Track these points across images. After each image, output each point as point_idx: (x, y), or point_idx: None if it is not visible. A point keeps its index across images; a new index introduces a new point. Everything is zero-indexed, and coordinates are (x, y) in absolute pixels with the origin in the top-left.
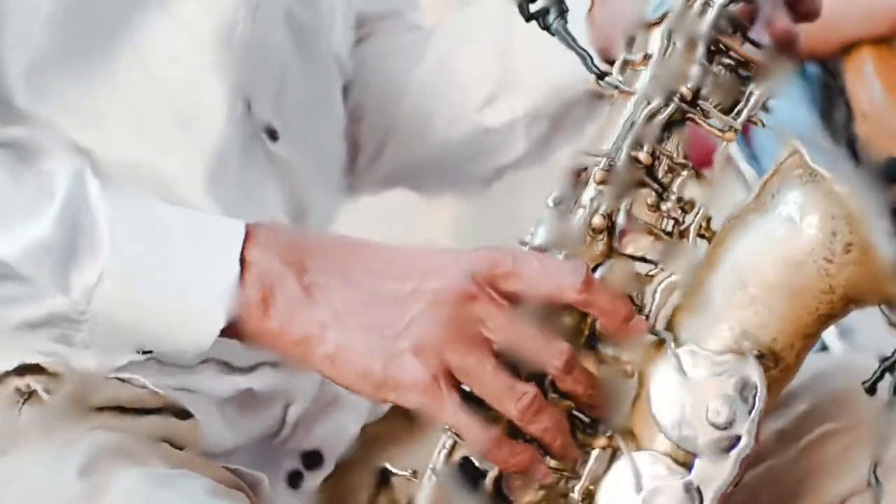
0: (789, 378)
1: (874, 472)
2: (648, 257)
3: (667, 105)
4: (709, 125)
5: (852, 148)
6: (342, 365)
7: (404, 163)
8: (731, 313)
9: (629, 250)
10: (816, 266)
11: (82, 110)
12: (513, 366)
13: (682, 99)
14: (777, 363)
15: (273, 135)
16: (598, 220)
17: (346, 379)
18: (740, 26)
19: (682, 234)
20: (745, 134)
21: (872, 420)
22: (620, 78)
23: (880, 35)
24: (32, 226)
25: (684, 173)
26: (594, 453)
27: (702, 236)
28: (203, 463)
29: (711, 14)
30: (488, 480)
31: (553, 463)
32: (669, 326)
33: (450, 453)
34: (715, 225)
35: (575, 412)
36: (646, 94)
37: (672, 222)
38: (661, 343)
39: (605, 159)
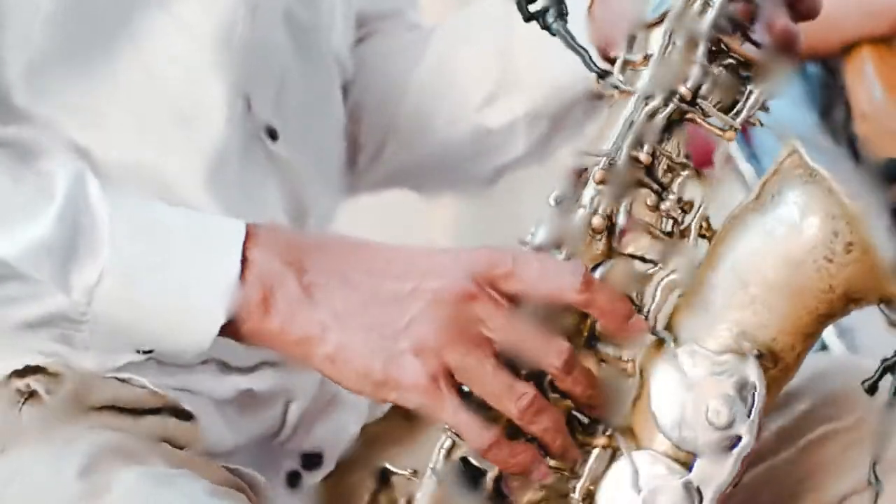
0: (789, 377)
1: (874, 471)
2: (648, 257)
3: (666, 104)
4: (708, 124)
5: (852, 147)
6: (342, 365)
7: (404, 163)
8: (731, 313)
9: (629, 250)
10: (817, 266)
11: (82, 110)
12: (512, 366)
13: (682, 98)
14: (777, 363)
15: (273, 134)
16: (597, 220)
17: (347, 379)
18: (740, 26)
19: (683, 234)
20: (745, 134)
21: (872, 420)
22: (621, 77)
23: (880, 34)
24: (32, 226)
25: (684, 173)
26: (594, 453)
27: (702, 236)
28: (203, 463)
29: (711, 14)
30: (488, 480)
31: (553, 462)
32: (669, 326)
33: (449, 453)
34: (715, 225)
35: (574, 412)
36: (645, 93)
37: (672, 222)
38: (661, 343)
39: (604, 159)
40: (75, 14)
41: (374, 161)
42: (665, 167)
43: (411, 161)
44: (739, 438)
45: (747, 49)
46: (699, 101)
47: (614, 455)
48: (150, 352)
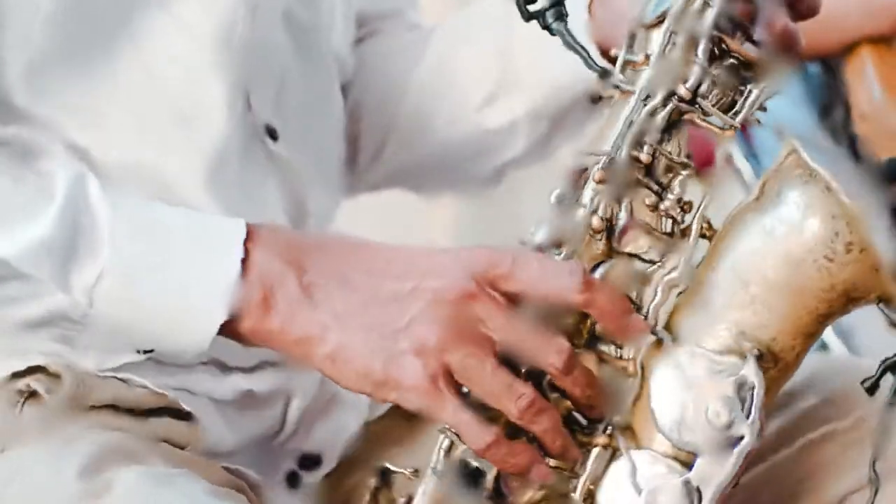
0: (788, 377)
1: (873, 468)
2: (649, 256)
3: (666, 104)
4: (708, 124)
5: (853, 147)
6: (342, 365)
7: (404, 163)
8: (731, 313)
9: (629, 249)
10: (817, 265)
11: (82, 110)
12: (512, 366)
13: (682, 98)
14: (776, 363)
15: (273, 134)
16: (597, 220)
17: (347, 378)
18: (740, 25)
19: (683, 234)
20: (744, 133)
21: (872, 419)
22: (622, 77)
23: (881, 34)
24: (32, 226)
25: (684, 173)
26: (594, 452)
27: (703, 236)
28: (203, 463)
29: (711, 13)
30: (488, 480)
31: (553, 462)
32: (669, 326)
33: (449, 453)
34: (715, 225)
35: (574, 413)
36: (645, 93)
37: (671, 222)
38: (661, 342)
39: (604, 159)
40: (75, 14)
41: (374, 161)
42: (665, 167)
43: (411, 161)
44: (740, 438)
45: (747, 49)
46: (699, 100)
47: (614, 455)
48: (150, 352)
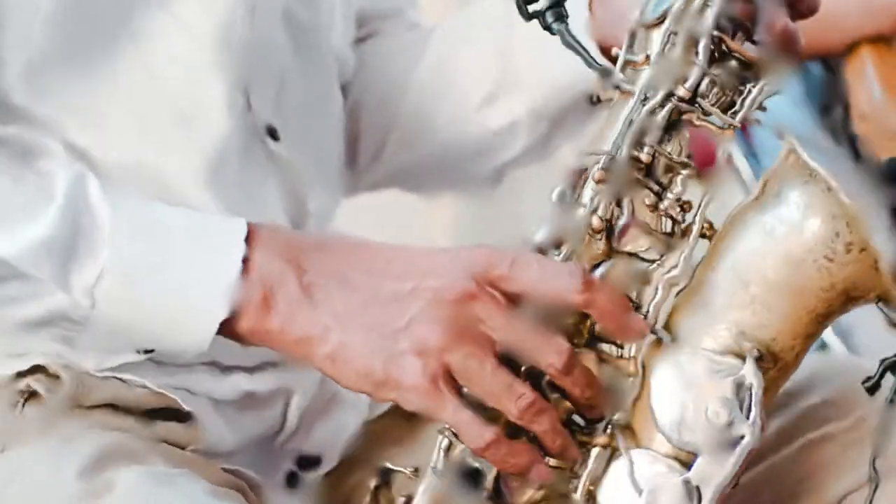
0: (788, 377)
1: (873, 465)
2: (649, 255)
3: (666, 103)
4: (707, 123)
5: (853, 147)
6: (343, 365)
7: (404, 162)
8: (731, 313)
9: (629, 249)
10: (818, 265)
11: (82, 110)
12: (512, 365)
13: (681, 98)
14: (776, 363)
15: (274, 134)
16: (597, 220)
17: (347, 378)
18: (741, 25)
19: (684, 234)
20: (744, 133)
21: (873, 418)
22: (622, 76)
23: (881, 34)
24: (32, 226)
25: (684, 172)
26: (594, 452)
27: (703, 235)
28: (203, 463)
29: (711, 13)
30: (488, 480)
31: (553, 462)
32: (669, 325)
33: (449, 452)
34: (715, 224)
35: (574, 416)
36: (645, 92)
37: (671, 222)
38: (661, 342)
39: (604, 158)
40: (75, 14)
41: (374, 161)
42: (665, 167)
43: (411, 161)
44: (740, 438)
45: (747, 49)
46: (698, 100)
47: (614, 454)
48: (150, 352)
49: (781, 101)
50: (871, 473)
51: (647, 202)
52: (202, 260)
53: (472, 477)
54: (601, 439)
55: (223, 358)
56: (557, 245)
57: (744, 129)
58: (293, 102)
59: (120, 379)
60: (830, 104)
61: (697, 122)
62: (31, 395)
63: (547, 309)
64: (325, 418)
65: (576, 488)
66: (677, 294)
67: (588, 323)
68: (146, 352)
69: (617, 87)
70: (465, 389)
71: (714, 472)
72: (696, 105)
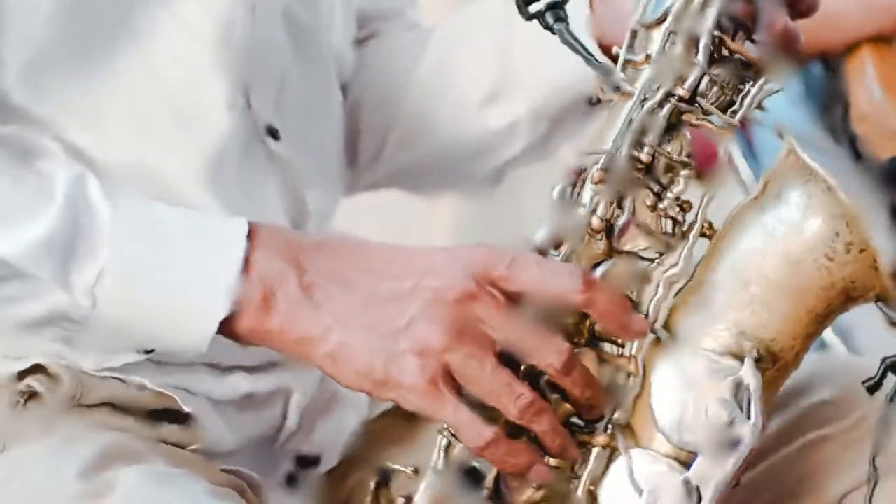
0: (787, 376)
1: (873, 463)
2: (649, 254)
3: (665, 103)
4: (707, 123)
5: (853, 147)
6: (343, 365)
7: (404, 162)
8: (731, 313)
9: (629, 248)
10: (818, 265)
11: (82, 110)
12: (511, 365)
13: (681, 98)
14: (775, 363)
15: (274, 134)
16: (597, 220)
17: (347, 377)
18: (741, 25)
19: (684, 235)
20: (745, 133)
21: (873, 417)
22: (623, 76)
23: (881, 34)
24: (33, 225)
25: (684, 172)
26: (594, 452)
27: (703, 235)
28: (204, 463)
29: (712, 13)
30: (488, 480)
31: (553, 462)
32: (670, 325)
33: (449, 452)
34: (715, 224)
35: (574, 418)
36: (645, 92)
37: (671, 222)
38: (661, 342)
39: (603, 158)
40: (75, 14)
41: (374, 161)
42: (665, 166)
43: (411, 161)
44: (740, 438)
45: (747, 48)
46: (698, 99)
47: (614, 454)
48: (150, 352)
49: (781, 101)
50: (871, 471)
51: (647, 202)
52: (202, 260)
53: (473, 477)
54: (601, 439)
55: (223, 358)
56: (557, 245)
57: (743, 128)
58: (293, 102)
59: (119, 379)
60: (830, 104)
61: (697, 122)
62: (32, 395)
63: (547, 309)
64: (326, 418)
65: (576, 488)
66: (678, 292)
67: (588, 323)
68: (146, 352)
69: (617, 89)
70: (465, 389)
71: (714, 472)
72: (696, 104)
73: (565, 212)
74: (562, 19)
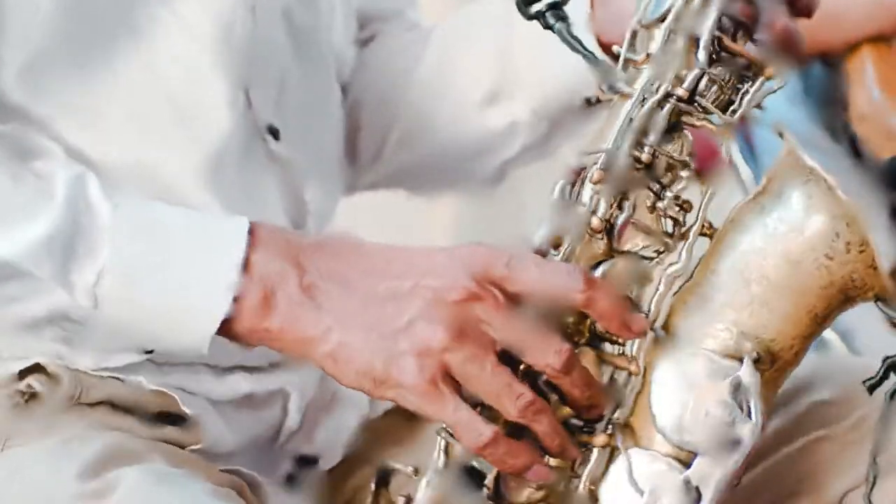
0: (787, 376)
1: (873, 461)
2: (650, 252)
3: (665, 102)
4: (707, 122)
5: (853, 147)
6: (343, 364)
7: (404, 162)
8: (731, 312)
9: (629, 247)
10: (818, 264)
11: (82, 110)
12: (510, 365)
13: (680, 98)
14: (774, 363)
15: (275, 134)
16: (597, 220)
17: (347, 377)
18: (741, 25)
19: (683, 236)
20: (745, 133)
21: (873, 419)
22: (623, 74)
23: (882, 33)
24: (33, 225)
25: (684, 171)
26: (594, 452)
27: (704, 234)
28: (203, 463)
29: (712, 13)
30: (489, 480)
31: (553, 462)
32: (670, 325)
33: (449, 452)
34: (715, 224)
35: (573, 419)
36: (645, 92)
37: (671, 222)
38: (661, 341)
39: (602, 158)
40: (75, 13)
41: (374, 161)
42: (665, 166)
43: (411, 161)
44: (740, 438)
45: (747, 48)
46: (697, 98)
47: (614, 453)
48: (150, 352)
49: (780, 100)
50: (870, 467)
51: (648, 202)
52: (202, 259)
53: (473, 477)
54: (601, 439)
55: (223, 358)
56: (557, 245)
57: (745, 129)
58: (293, 102)
59: (119, 378)
60: (830, 103)
61: (698, 123)
62: (32, 395)
63: (547, 308)
64: (326, 417)
65: (576, 488)
66: (679, 288)
67: (588, 322)
68: (146, 352)
69: (616, 91)
70: (465, 389)
71: (714, 472)
72: (695, 104)
73: (565, 211)
74: (562, 19)
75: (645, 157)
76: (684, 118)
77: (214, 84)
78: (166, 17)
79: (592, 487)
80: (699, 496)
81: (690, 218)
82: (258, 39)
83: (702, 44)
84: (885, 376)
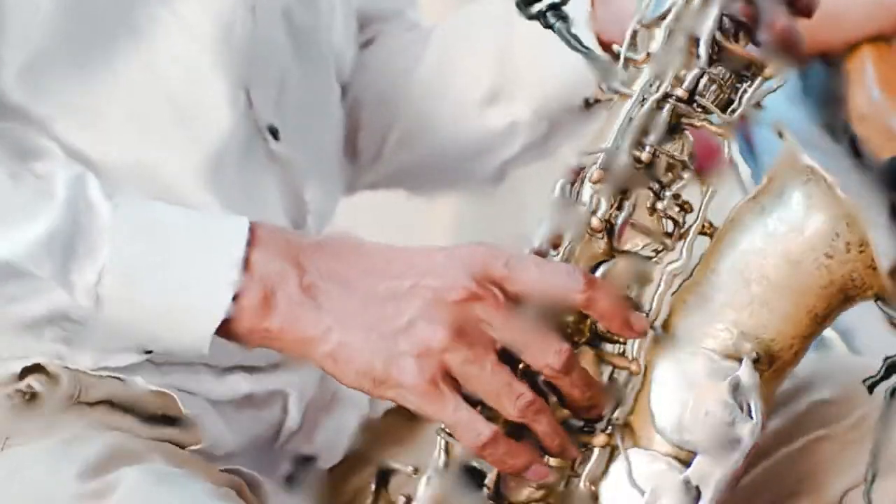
0: (787, 376)
1: (873, 459)
2: (650, 251)
3: (664, 102)
4: (707, 122)
5: (853, 147)
6: (344, 364)
7: (404, 162)
8: (731, 312)
9: (629, 247)
10: (818, 264)
11: (82, 110)
12: (510, 364)
13: (679, 98)
14: (773, 363)
15: (275, 134)
16: (596, 220)
17: (347, 377)
18: (741, 25)
19: (682, 236)
20: (745, 133)
21: (873, 418)
22: (623, 74)
23: (882, 33)
24: (33, 225)
25: (684, 171)
26: (594, 452)
27: (704, 234)
28: (203, 463)
29: (712, 13)
30: (489, 480)
31: (553, 462)
32: (670, 324)
33: (449, 452)
34: (715, 223)
35: (573, 419)
36: (645, 91)
37: (671, 222)
38: (661, 341)
39: (602, 158)
40: (75, 13)
41: (375, 160)
42: (665, 166)
43: (412, 160)
44: (739, 438)
45: (747, 48)
46: (697, 98)
47: (614, 453)
48: (150, 352)
49: (780, 100)
50: (870, 466)
51: (647, 202)
52: (202, 259)
53: (473, 476)
54: (601, 439)
55: (223, 358)
56: (556, 244)
57: (744, 129)
58: (293, 102)
59: (120, 379)
60: (830, 103)
61: (699, 123)
62: (32, 394)
63: (546, 308)
64: (326, 417)
65: (576, 488)
66: (679, 286)
67: (588, 322)
68: (146, 352)
69: (616, 91)
70: (465, 389)
71: (714, 472)
72: (695, 104)
73: (565, 211)
74: (563, 19)
75: (645, 156)
76: (684, 118)
77: (214, 84)
78: (166, 17)
79: (592, 487)
80: (699, 496)
81: (690, 218)
82: (258, 39)
83: (702, 43)
84: (885, 376)
